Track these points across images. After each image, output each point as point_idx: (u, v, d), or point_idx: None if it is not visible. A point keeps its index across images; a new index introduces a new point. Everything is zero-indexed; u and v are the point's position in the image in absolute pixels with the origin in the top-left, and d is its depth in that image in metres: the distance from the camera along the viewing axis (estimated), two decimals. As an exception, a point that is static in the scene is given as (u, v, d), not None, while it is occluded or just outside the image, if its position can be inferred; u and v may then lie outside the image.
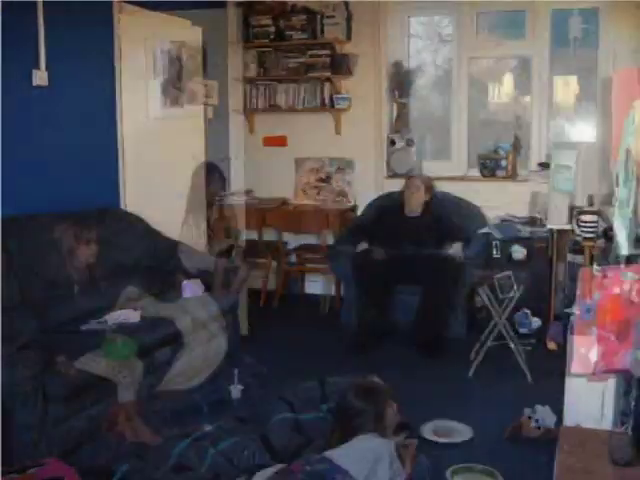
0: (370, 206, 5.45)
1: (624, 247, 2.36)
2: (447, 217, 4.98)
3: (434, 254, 4.66)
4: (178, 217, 4.75)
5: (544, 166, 5.03)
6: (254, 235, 5.77)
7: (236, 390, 3.74)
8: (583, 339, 2.13)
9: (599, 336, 2.11)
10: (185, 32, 5.33)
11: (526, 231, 4.75)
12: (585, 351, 2.13)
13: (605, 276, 2.11)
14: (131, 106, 4.80)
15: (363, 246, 4.80)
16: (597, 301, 2.11)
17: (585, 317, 2.13)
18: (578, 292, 2.14)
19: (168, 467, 2.82)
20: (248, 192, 5.96)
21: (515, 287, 4.06)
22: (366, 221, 5.24)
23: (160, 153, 5.05)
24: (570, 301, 4.31)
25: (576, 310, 2.16)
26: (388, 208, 5.18)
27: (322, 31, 5.57)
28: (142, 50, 4.87)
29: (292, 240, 5.87)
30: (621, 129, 2.41)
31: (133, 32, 4.76)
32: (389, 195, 5.41)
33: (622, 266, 2.20)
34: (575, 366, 2.17)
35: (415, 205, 4.98)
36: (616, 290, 2.10)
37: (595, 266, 2.17)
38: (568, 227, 4.66)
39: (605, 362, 2.13)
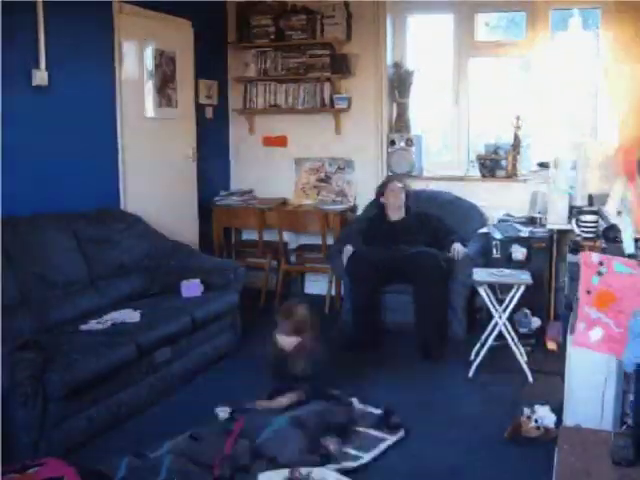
0: (364, 212, 5.47)
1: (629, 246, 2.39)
2: (436, 218, 4.96)
3: (424, 253, 4.60)
4: (178, 217, 4.75)
5: (544, 166, 5.03)
6: (254, 235, 5.77)
7: (223, 411, 3.68)
8: (583, 316, 2.16)
9: (599, 320, 2.14)
10: (184, 32, 5.34)
11: (526, 231, 4.75)
12: (584, 328, 2.16)
13: (601, 263, 2.14)
14: (131, 106, 4.80)
15: (348, 248, 4.77)
16: (595, 285, 2.14)
17: (586, 297, 2.16)
18: (581, 273, 2.17)
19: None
20: (248, 192, 5.96)
21: (515, 287, 4.06)
22: (358, 229, 5.13)
23: (159, 153, 5.05)
24: (570, 301, 4.34)
25: (580, 287, 2.20)
26: (373, 216, 5.10)
27: (322, 31, 5.56)
28: (142, 50, 4.88)
29: (292, 240, 5.87)
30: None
31: (133, 32, 4.77)
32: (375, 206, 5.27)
33: (617, 257, 2.22)
34: (575, 339, 2.20)
35: (397, 209, 4.92)
36: (610, 279, 2.12)
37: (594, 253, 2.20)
38: (568, 227, 4.66)
39: (607, 347, 2.15)
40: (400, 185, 4.95)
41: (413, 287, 4.53)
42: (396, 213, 4.93)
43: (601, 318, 2.14)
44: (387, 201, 4.93)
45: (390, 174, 5.55)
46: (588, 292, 2.15)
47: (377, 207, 5.06)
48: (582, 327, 2.17)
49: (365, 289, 4.59)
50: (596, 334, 2.16)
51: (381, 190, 4.99)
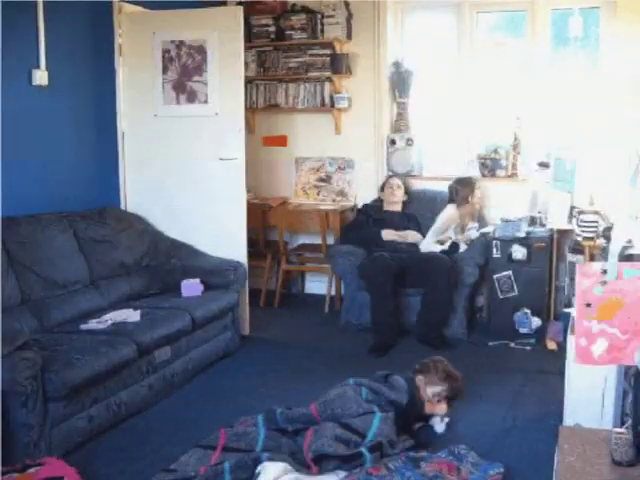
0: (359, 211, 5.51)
1: None
2: (415, 222, 5.13)
3: (433, 256, 4.67)
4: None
5: (544, 166, 5.03)
6: (254, 235, 5.77)
7: None
8: (583, 331, 2.13)
9: (602, 331, 2.11)
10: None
11: (526, 231, 4.75)
12: (586, 343, 2.13)
13: (605, 271, 2.11)
14: (131, 106, 4.80)
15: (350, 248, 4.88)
16: (598, 296, 2.11)
17: (584, 311, 2.13)
18: (577, 286, 2.14)
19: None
20: (248, 192, 5.95)
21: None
22: (355, 223, 5.26)
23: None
24: (570, 301, 4.34)
25: (575, 303, 2.16)
26: (371, 208, 5.29)
27: (322, 31, 5.56)
28: (142, 50, 4.87)
29: (292, 240, 5.87)
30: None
31: (133, 32, 4.76)
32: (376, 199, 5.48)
33: (622, 263, 2.20)
34: (578, 357, 2.18)
35: (393, 205, 5.18)
36: (619, 286, 2.10)
37: (595, 262, 2.18)
38: (568, 227, 4.67)
39: (611, 357, 2.13)
40: (398, 182, 5.22)
41: (423, 289, 4.60)
42: (391, 208, 5.20)
43: (605, 329, 2.11)
44: (384, 196, 5.23)
45: (390, 174, 5.56)
46: (588, 305, 2.11)
47: (376, 201, 5.38)
48: (584, 343, 2.13)
49: (386, 292, 4.58)
50: (599, 347, 2.12)
51: (382, 185, 5.32)
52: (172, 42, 4.78)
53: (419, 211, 5.24)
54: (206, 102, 4.77)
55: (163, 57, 4.83)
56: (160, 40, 4.79)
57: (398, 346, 4.54)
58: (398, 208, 5.19)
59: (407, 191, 5.26)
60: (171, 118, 4.80)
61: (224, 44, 4.75)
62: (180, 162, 4.77)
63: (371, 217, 5.12)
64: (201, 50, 4.77)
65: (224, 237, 4.69)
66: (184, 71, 4.80)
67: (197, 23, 4.76)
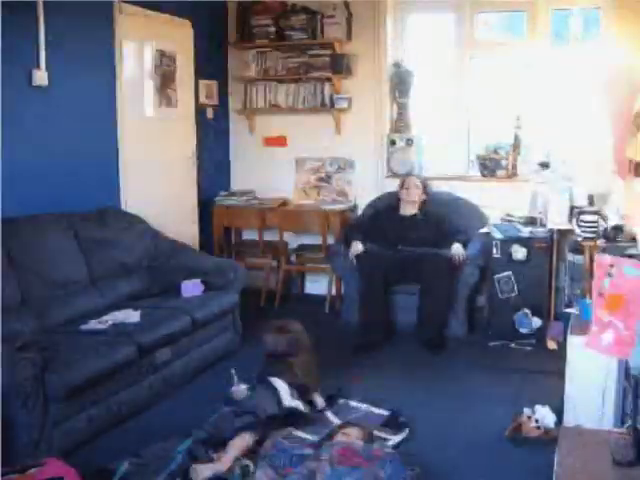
0: (369, 206, 5.47)
1: None
2: (444, 217, 5.00)
3: (431, 253, 4.67)
4: (178, 217, 4.75)
5: (544, 166, 5.03)
6: (254, 235, 5.77)
7: (238, 390, 3.72)
8: (597, 319, 2.16)
9: (610, 323, 2.13)
10: (185, 32, 5.34)
11: (526, 231, 4.75)
12: (597, 331, 2.16)
13: (612, 265, 2.13)
14: (131, 106, 4.80)
15: (357, 245, 4.78)
16: (606, 288, 2.14)
17: (598, 301, 2.17)
18: (594, 275, 2.17)
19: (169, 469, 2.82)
20: (248, 192, 5.96)
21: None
22: (363, 221, 5.27)
23: (159, 153, 5.06)
24: (570, 301, 4.34)
25: (593, 290, 2.20)
26: (384, 207, 5.22)
27: (322, 31, 5.56)
28: (142, 50, 4.88)
29: (292, 240, 5.87)
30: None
31: (133, 32, 4.77)
32: (387, 195, 5.43)
33: (627, 260, 2.21)
34: (588, 342, 2.21)
35: (411, 204, 5.04)
36: (622, 283, 2.12)
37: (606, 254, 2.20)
38: (568, 227, 4.66)
39: (618, 349, 2.15)
40: (417, 182, 5.09)
41: (420, 287, 4.58)
42: (408, 208, 5.05)
43: (612, 321, 2.14)
44: (402, 194, 5.08)
45: (391, 174, 5.56)
46: (600, 295, 2.14)
47: (393, 199, 5.20)
48: (595, 330, 2.16)
49: (377, 288, 4.61)
50: (607, 337, 2.15)
51: (401, 183, 5.15)
52: (157, 50, 5.05)
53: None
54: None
55: (153, 61, 4.99)
56: (151, 45, 4.98)
57: (385, 345, 4.54)
58: (414, 209, 5.03)
59: (426, 190, 5.11)
60: (165, 120, 5.02)
61: (182, 55, 5.31)
62: (165, 160, 5.15)
63: (379, 222, 5.05)
64: (174, 59, 5.23)
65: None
66: (165, 77, 5.10)
67: (171, 37, 5.17)
